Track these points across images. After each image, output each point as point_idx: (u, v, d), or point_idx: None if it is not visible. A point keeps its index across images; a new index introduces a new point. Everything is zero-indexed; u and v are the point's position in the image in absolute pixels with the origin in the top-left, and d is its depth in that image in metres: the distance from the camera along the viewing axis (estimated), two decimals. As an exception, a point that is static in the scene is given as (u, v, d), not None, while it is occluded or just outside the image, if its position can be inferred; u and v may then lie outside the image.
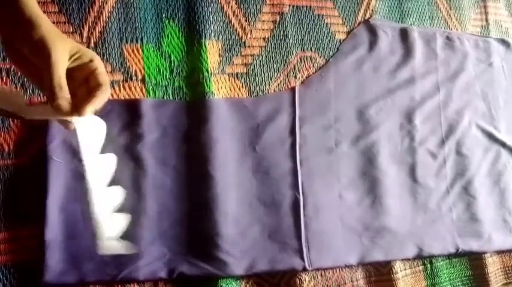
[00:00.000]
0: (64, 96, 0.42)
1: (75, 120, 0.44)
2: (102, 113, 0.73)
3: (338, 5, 0.93)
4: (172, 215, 0.75)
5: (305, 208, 0.82)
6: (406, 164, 0.92)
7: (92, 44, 0.74)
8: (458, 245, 0.91)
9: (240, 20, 0.84)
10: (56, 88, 0.42)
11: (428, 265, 0.92)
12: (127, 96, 0.75)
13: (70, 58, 0.44)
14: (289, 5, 0.88)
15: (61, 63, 0.42)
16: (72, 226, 0.70)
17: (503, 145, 1.01)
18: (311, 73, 0.88)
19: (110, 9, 0.75)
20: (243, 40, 0.84)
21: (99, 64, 0.45)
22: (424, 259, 0.92)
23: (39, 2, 0.70)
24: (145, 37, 0.77)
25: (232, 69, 0.83)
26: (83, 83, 0.46)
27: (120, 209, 0.50)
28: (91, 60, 0.45)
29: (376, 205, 0.87)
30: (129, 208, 0.50)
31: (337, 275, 0.84)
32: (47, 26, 0.43)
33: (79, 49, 0.45)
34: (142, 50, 0.77)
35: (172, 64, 0.79)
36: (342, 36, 0.92)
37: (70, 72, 0.44)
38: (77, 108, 0.43)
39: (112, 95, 0.75)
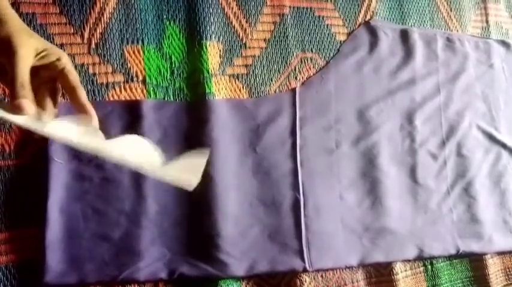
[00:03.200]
0: (25, 95, 0.41)
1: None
2: (102, 114, 0.74)
3: (338, 6, 0.93)
4: (173, 216, 0.75)
5: (305, 209, 0.82)
6: (407, 165, 0.92)
7: (93, 45, 0.74)
8: (459, 246, 0.91)
9: (240, 21, 0.84)
10: (18, 87, 0.40)
11: (429, 266, 0.92)
12: (128, 98, 0.76)
13: (36, 56, 0.43)
14: (290, 6, 0.88)
15: (26, 61, 0.41)
16: (73, 226, 0.70)
17: (503, 146, 1.01)
18: (311, 74, 0.88)
19: (110, 11, 0.75)
20: (244, 41, 0.84)
21: (67, 63, 0.44)
22: (424, 260, 0.92)
23: (40, 4, 0.71)
24: (146, 38, 0.77)
25: (233, 70, 0.83)
26: (48, 82, 0.45)
27: None
28: (58, 59, 0.44)
29: (376, 206, 0.87)
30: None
31: (337, 276, 0.84)
32: (14, 22, 0.43)
33: (46, 47, 0.44)
34: (143, 51, 0.77)
35: (173, 65, 0.79)
36: (343, 38, 0.93)
37: (36, 70, 0.43)
38: (40, 106, 0.42)
39: (113, 96, 0.75)
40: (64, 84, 0.44)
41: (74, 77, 0.44)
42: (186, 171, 0.48)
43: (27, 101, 0.41)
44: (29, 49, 0.42)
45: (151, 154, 0.48)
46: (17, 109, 0.41)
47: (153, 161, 0.48)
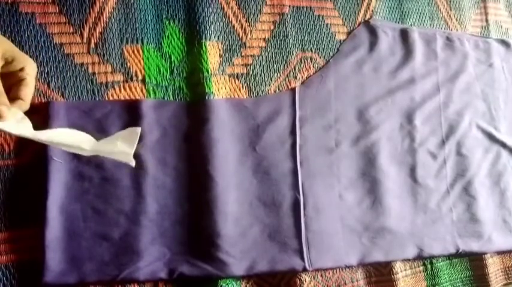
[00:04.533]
0: (4, 101, 0.40)
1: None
2: (102, 114, 0.74)
3: (338, 5, 0.93)
4: (173, 216, 0.75)
5: (305, 208, 0.82)
6: (406, 164, 0.92)
7: (93, 45, 0.74)
8: (459, 245, 0.91)
9: (240, 21, 0.84)
10: None
11: (429, 266, 0.92)
12: (127, 97, 0.76)
13: (5, 63, 0.41)
14: (290, 6, 0.88)
15: None
16: (72, 226, 0.70)
17: (503, 145, 1.01)
18: (311, 74, 0.88)
19: (110, 10, 0.75)
20: (243, 41, 0.84)
21: (28, 74, 0.42)
22: (424, 259, 0.92)
23: (39, 3, 0.71)
24: (146, 38, 0.77)
25: (233, 69, 0.83)
26: (8, 91, 0.43)
27: None
28: (21, 69, 0.42)
29: (376, 206, 0.87)
30: None
31: (337, 275, 0.85)
32: None
33: (14, 55, 0.42)
34: (143, 51, 0.77)
35: (173, 65, 0.79)
36: (342, 37, 0.92)
37: None
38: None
39: (112, 95, 0.75)
40: (14, 96, 0.42)
41: (26, 92, 0.43)
42: (121, 144, 0.48)
43: (6, 108, 0.40)
44: None
45: (84, 136, 0.49)
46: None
47: (87, 141, 0.48)
